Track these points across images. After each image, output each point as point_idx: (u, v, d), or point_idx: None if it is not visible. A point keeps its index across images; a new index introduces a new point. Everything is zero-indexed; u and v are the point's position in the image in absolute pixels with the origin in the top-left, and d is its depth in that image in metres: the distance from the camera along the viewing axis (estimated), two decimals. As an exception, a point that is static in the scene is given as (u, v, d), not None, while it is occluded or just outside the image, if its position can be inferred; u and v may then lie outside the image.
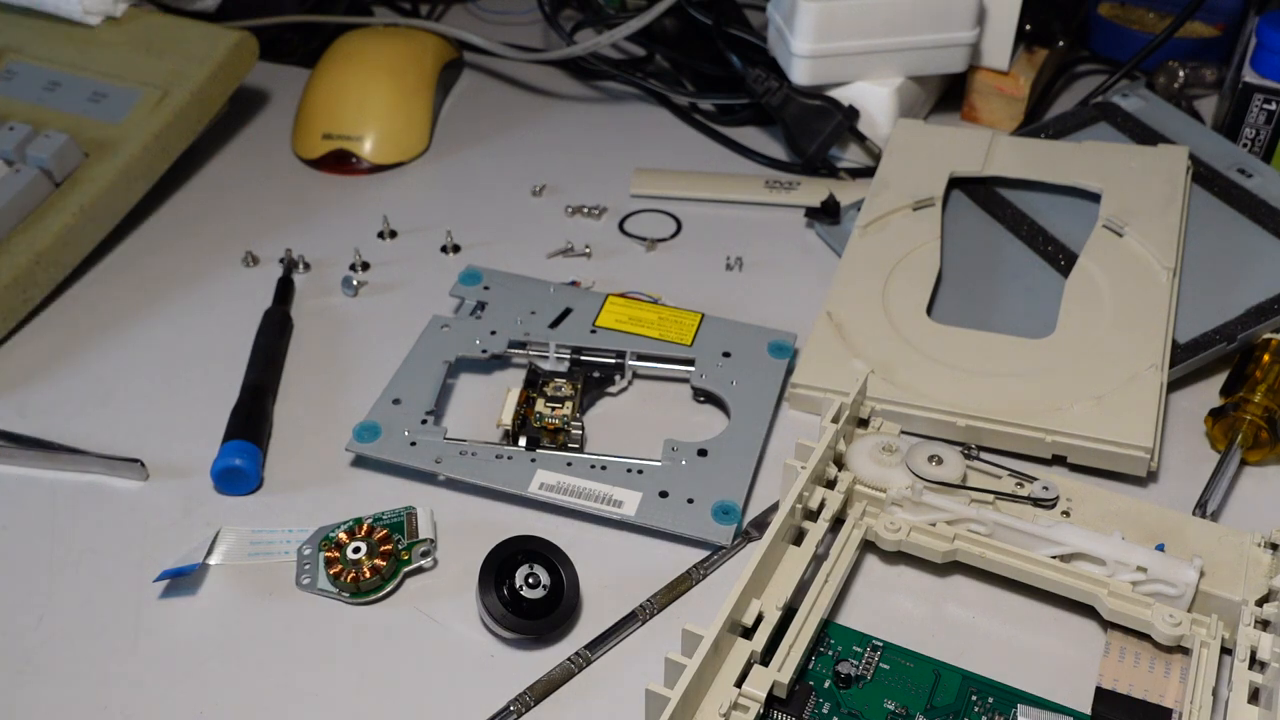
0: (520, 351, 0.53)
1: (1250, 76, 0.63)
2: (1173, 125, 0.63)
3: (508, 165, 0.69)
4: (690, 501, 0.46)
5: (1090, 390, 0.48)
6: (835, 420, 0.45)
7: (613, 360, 0.52)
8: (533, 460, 0.47)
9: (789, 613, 0.40)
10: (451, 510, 0.46)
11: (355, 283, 0.58)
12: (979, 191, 0.61)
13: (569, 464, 0.47)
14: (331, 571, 0.43)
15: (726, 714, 0.36)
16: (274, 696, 0.40)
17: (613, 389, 0.52)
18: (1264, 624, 0.39)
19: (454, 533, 0.45)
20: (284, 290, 0.57)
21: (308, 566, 0.44)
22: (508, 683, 0.40)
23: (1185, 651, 0.40)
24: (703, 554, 0.45)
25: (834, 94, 0.66)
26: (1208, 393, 0.52)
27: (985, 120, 0.71)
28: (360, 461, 0.48)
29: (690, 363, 0.52)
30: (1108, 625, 0.41)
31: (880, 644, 0.41)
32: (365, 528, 0.44)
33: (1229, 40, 0.76)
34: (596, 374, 0.52)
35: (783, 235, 0.63)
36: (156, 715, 0.39)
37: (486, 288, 0.56)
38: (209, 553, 0.44)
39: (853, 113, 0.65)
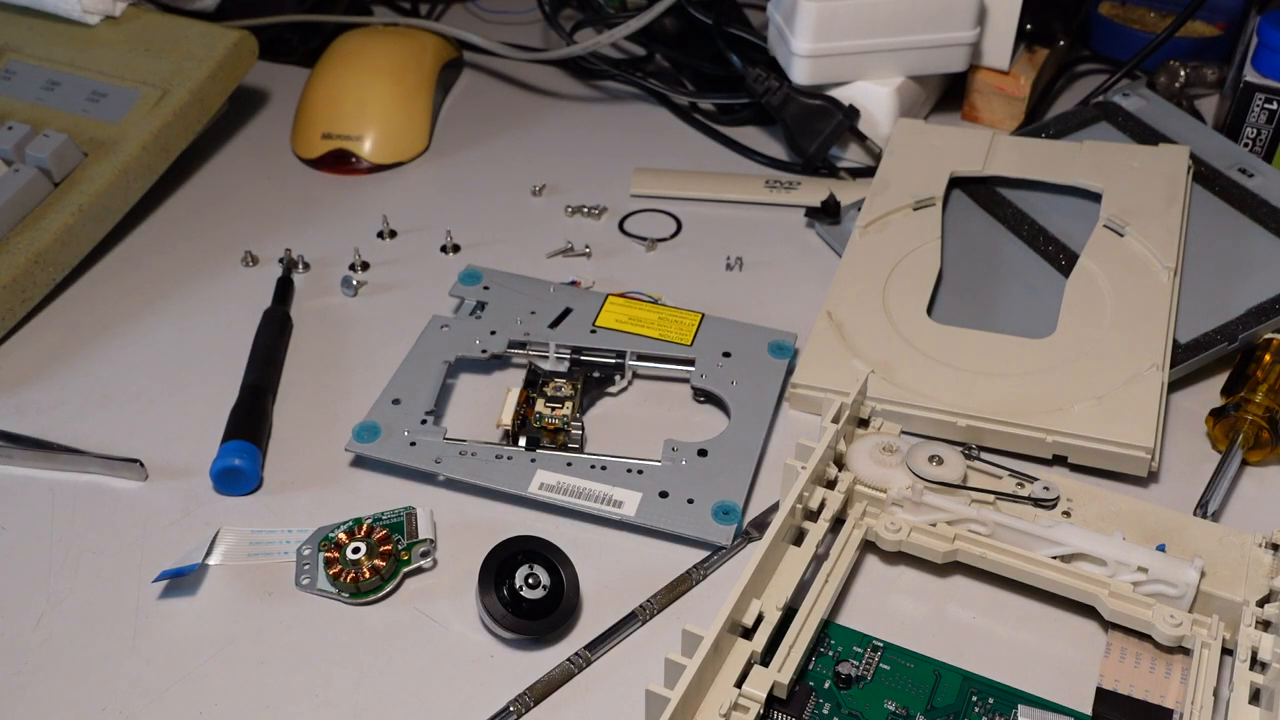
0: (520, 351, 0.53)
1: (1251, 76, 0.63)
2: (1174, 125, 0.63)
3: (508, 165, 0.69)
4: (690, 502, 0.45)
5: (1091, 390, 0.48)
6: (835, 420, 0.45)
7: (613, 360, 0.52)
8: (533, 460, 0.47)
9: (789, 613, 0.40)
10: (451, 510, 0.46)
11: (355, 283, 0.58)
12: (979, 191, 0.61)
13: (569, 464, 0.47)
14: (331, 572, 0.43)
15: (726, 714, 0.36)
16: (274, 696, 0.40)
17: (613, 389, 0.52)
18: (1265, 624, 0.39)
19: (454, 533, 0.45)
20: (283, 290, 0.57)
21: (307, 567, 0.44)
22: (508, 683, 0.40)
23: (1186, 652, 0.40)
24: (703, 554, 0.44)
25: (834, 93, 0.66)
26: (1209, 393, 0.52)
27: (986, 120, 0.71)
28: (360, 461, 0.48)
29: (690, 363, 0.52)
30: (1108, 626, 0.41)
31: (880, 644, 0.41)
32: (365, 528, 0.44)
33: (1230, 39, 0.76)
34: (596, 374, 0.52)
35: (783, 235, 0.63)
36: (156, 715, 0.39)
37: (486, 288, 0.56)
38: (208, 553, 0.44)
39: (853, 112, 0.65)
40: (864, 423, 0.48)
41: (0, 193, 0.57)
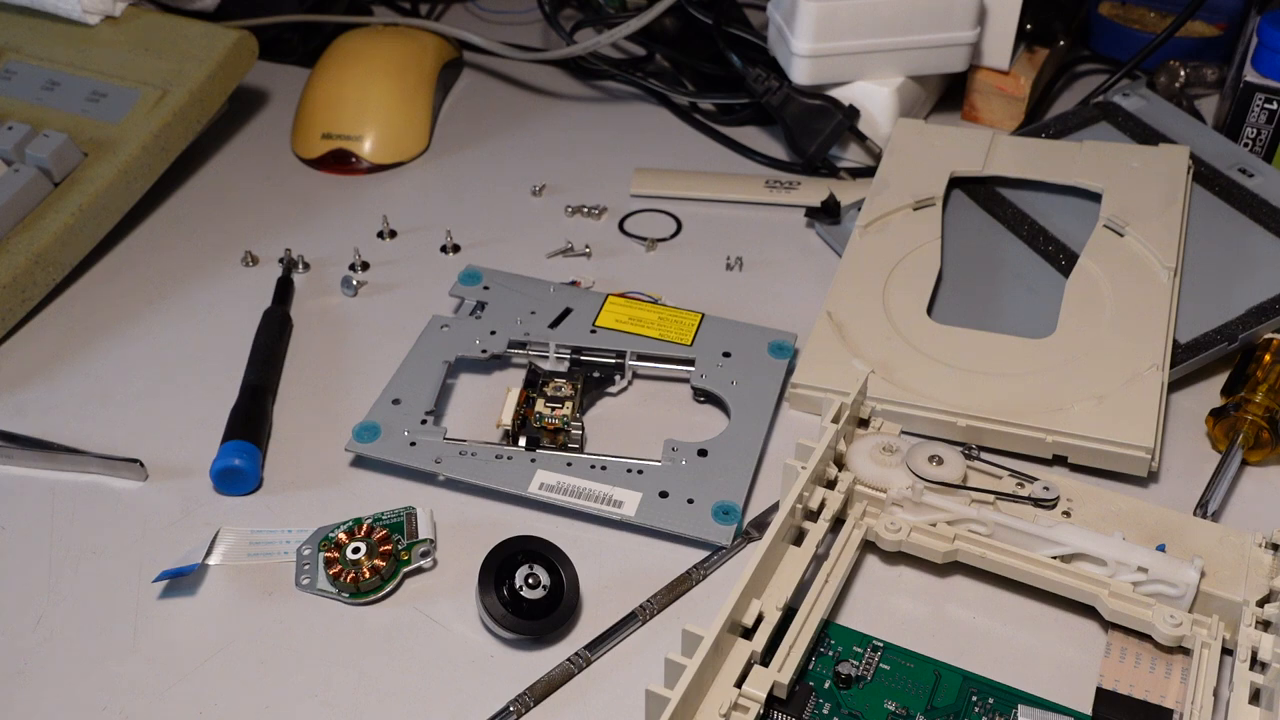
0: (520, 351, 0.53)
1: (1251, 76, 0.63)
2: (1174, 125, 0.63)
3: (508, 165, 0.69)
4: (690, 502, 0.45)
5: (1091, 390, 0.48)
6: (835, 420, 0.45)
7: (613, 360, 0.52)
8: (533, 460, 0.47)
9: (789, 613, 0.40)
10: (451, 510, 0.46)
11: (355, 283, 0.58)
12: (979, 191, 0.61)
13: (569, 464, 0.47)
14: (331, 572, 0.43)
15: (726, 714, 0.36)
16: (274, 696, 0.40)
17: (613, 389, 0.52)
18: (1265, 624, 0.39)
19: (454, 533, 0.45)
20: (283, 290, 0.57)
21: (307, 567, 0.44)
22: (508, 683, 0.40)
23: (1186, 652, 0.40)
24: (703, 554, 0.44)
25: (834, 93, 0.66)
26: (1209, 393, 0.52)
27: (986, 120, 0.71)
28: (360, 461, 0.48)
29: (690, 363, 0.52)
30: (1108, 626, 0.41)
31: (880, 644, 0.41)
32: (365, 528, 0.44)
33: (1230, 39, 0.76)
34: (596, 374, 0.52)
35: (783, 235, 0.63)
36: (156, 715, 0.39)
37: (486, 288, 0.56)
38: (208, 553, 0.44)
39: (853, 112, 0.65)
40: (864, 423, 0.48)
41: (0, 193, 0.57)
